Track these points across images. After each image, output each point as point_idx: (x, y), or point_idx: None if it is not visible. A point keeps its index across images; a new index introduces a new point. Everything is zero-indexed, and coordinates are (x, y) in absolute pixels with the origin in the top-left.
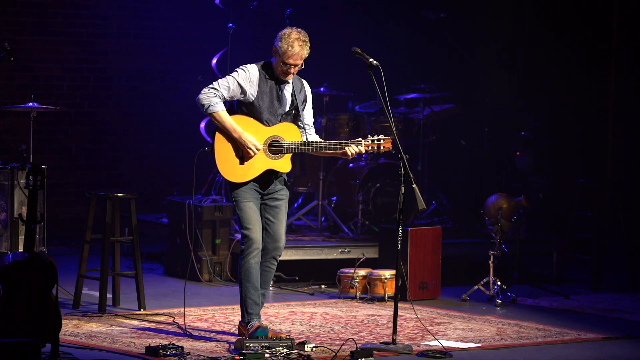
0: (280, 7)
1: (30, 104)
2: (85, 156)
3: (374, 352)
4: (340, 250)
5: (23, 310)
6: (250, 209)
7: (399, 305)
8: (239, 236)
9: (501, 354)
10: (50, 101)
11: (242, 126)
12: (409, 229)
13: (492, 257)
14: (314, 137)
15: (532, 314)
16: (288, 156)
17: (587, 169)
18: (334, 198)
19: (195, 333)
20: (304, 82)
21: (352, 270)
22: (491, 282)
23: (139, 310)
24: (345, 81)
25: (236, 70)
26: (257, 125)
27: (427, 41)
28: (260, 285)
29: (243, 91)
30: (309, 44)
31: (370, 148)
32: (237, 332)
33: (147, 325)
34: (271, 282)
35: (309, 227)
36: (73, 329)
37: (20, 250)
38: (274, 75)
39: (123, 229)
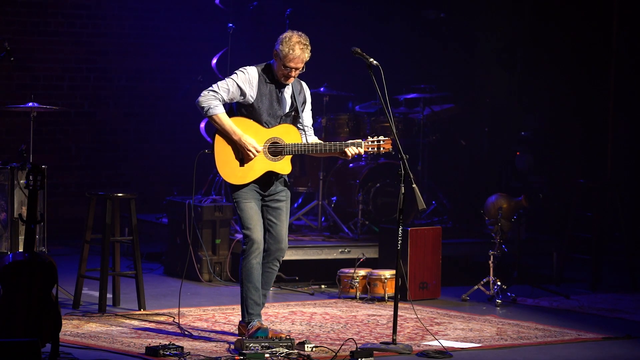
0: (280, 7)
1: (30, 104)
2: (85, 156)
3: (374, 352)
4: (340, 250)
5: (23, 310)
6: (251, 209)
7: (399, 305)
8: (239, 236)
9: (501, 354)
10: (50, 101)
11: (241, 128)
12: (409, 229)
13: (492, 257)
14: (313, 139)
15: (532, 314)
16: (288, 158)
17: (587, 169)
18: (334, 198)
19: (195, 333)
20: (304, 84)
21: (352, 270)
22: (491, 282)
23: (139, 310)
24: (345, 81)
25: (236, 73)
26: (256, 127)
27: (427, 41)
28: (261, 286)
29: (242, 93)
30: (309, 47)
31: (369, 149)
32: (237, 332)
33: (147, 325)
34: (272, 283)
35: (309, 227)
36: (73, 329)
37: (20, 250)
38: (273, 77)
39: (123, 229)
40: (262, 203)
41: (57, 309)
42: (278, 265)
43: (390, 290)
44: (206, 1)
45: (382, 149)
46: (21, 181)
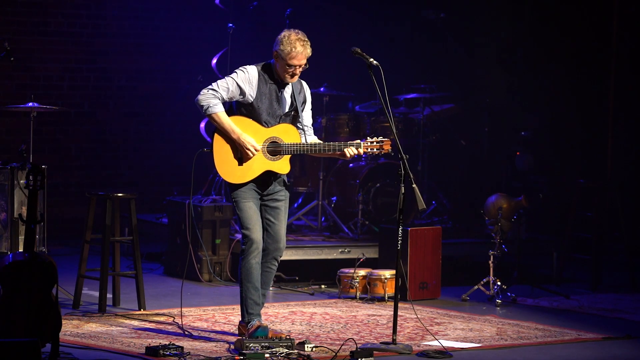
0: (280, 7)
1: (30, 104)
2: (85, 156)
3: (374, 352)
4: (340, 250)
5: (23, 310)
6: (250, 209)
7: (399, 305)
8: (238, 236)
9: (501, 354)
10: (50, 101)
11: (241, 127)
12: (409, 229)
13: (492, 257)
14: (312, 139)
15: (532, 314)
16: (287, 157)
17: (587, 169)
18: (334, 198)
19: (195, 333)
20: (304, 83)
21: (352, 270)
22: (491, 282)
23: (139, 310)
24: (345, 81)
25: (235, 72)
26: (256, 127)
27: (427, 41)
28: (260, 286)
29: (242, 92)
30: (309, 43)
31: (369, 150)
32: (237, 332)
33: (147, 325)
34: (272, 283)
35: (309, 227)
36: (73, 329)
37: (20, 250)
38: (273, 76)
39: (123, 229)
40: (261, 202)
41: (57, 309)
42: (276, 264)
43: (390, 290)
44: (206, 1)
45: (381, 150)
46: (21, 181)
